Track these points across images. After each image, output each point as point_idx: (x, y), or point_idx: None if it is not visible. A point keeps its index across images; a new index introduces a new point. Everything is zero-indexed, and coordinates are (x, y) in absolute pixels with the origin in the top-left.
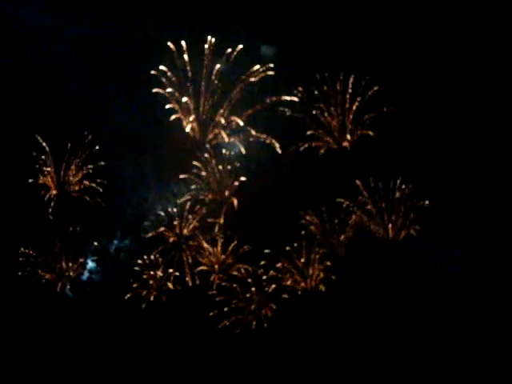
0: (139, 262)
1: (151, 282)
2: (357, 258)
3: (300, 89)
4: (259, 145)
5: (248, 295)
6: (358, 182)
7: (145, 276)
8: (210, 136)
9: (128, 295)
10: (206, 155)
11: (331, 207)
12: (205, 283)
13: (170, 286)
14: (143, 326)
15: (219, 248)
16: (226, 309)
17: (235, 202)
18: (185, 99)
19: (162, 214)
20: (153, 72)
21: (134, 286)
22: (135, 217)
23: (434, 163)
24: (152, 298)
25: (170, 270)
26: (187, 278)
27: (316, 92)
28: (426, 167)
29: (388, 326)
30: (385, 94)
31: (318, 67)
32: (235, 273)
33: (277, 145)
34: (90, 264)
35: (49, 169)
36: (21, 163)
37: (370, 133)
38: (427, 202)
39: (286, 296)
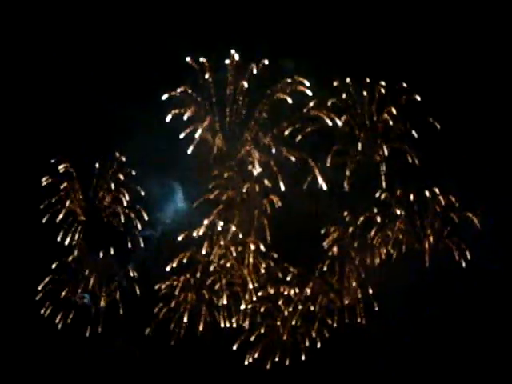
0: (169, 283)
1: (182, 307)
2: (394, 278)
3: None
4: (289, 161)
5: (280, 319)
6: (388, 195)
7: (173, 302)
8: (239, 155)
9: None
10: (231, 173)
11: (363, 223)
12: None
13: (205, 311)
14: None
15: (251, 268)
16: (252, 338)
17: (265, 221)
18: (209, 118)
19: (194, 234)
20: (174, 92)
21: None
22: (166, 239)
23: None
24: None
25: (204, 292)
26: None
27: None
28: (466, 180)
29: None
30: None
31: (342, 75)
32: (266, 294)
33: (309, 160)
34: (122, 288)
35: (75, 194)
36: (46, 188)
37: (404, 146)
38: (471, 215)
39: (327, 320)
